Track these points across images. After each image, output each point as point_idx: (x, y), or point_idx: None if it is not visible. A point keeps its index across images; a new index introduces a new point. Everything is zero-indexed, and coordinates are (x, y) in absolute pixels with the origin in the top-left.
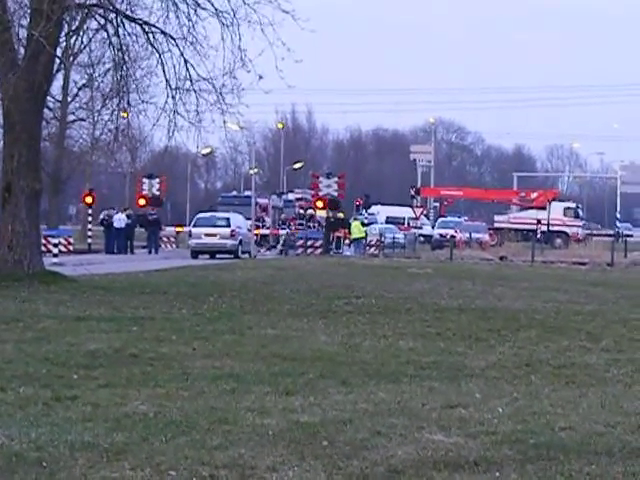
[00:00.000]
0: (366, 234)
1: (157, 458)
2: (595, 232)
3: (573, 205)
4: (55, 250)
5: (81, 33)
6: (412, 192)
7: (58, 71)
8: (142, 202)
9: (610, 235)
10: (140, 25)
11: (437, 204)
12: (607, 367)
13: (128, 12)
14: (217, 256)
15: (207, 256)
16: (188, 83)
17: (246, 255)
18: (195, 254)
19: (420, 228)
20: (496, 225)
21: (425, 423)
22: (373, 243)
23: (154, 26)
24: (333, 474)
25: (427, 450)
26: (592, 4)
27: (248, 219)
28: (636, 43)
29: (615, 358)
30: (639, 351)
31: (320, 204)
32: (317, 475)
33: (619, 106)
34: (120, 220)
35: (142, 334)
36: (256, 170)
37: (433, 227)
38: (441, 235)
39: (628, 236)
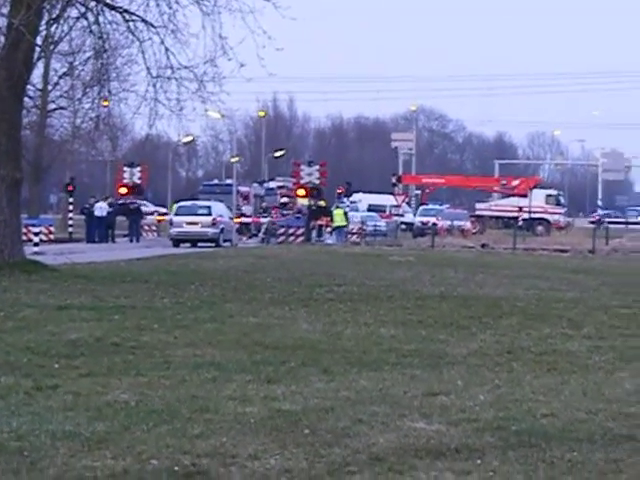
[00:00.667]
0: (348, 222)
1: (138, 447)
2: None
3: (555, 192)
4: (36, 239)
5: (61, 21)
6: (394, 180)
7: (39, 59)
8: (123, 191)
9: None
10: (120, 13)
11: (419, 192)
12: (589, 354)
13: (108, 0)
14: (199, 244)
15: (188, 244)
16: (169, 71)
17: (228, 243)
18: (176, 242)
19: (402, 216)
20: (477, 213)
21: (407, 411)
22: (355, 231)
23: (134, 14)
24: (315, 462)
25: (409, 438)
26: None
27: (229, 208)
28: (617, 31)
29: (597, 345)
30: (620, 338)
31: (302, 192)
32: (299, 463)
33: (599, 94)
34: (101, 209)
35: (123, 323)
36: (237, 158)
37: (415, 215)
38: (423, 223)
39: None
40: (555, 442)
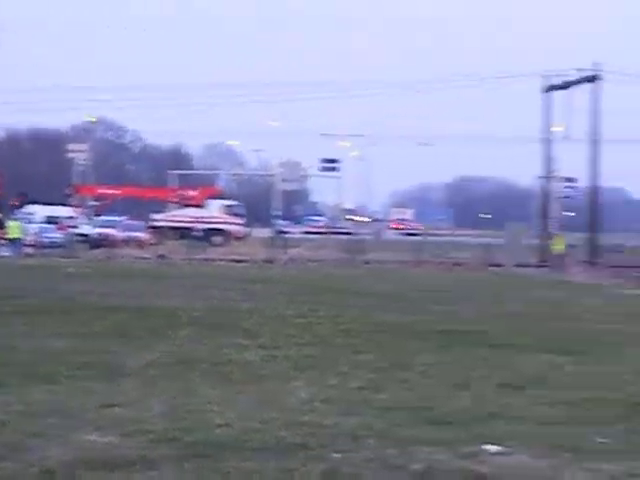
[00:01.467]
0: (23, 234)
1: None
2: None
3: (232, 203)
4: None
5: None
6: (69, 191)
7: None
8: None
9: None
10: None
11: (96, 203)
12: (264, 364)
13: None
14: None
15: None
16: None
17: None
18: None
19: (77, 227)
20: (155, 224)
21: (81, 423)
22: (30, 243)
23: None
24: None
25: (82, 450)
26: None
27: None
28: (296, 43)
29: (272, 355)
30: (295, 347)
31: None
32: None
33: (276, 104)
34: None
35: None
36: None
37: (91, 226)
38: (99, 234)
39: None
40: (229, 452)
